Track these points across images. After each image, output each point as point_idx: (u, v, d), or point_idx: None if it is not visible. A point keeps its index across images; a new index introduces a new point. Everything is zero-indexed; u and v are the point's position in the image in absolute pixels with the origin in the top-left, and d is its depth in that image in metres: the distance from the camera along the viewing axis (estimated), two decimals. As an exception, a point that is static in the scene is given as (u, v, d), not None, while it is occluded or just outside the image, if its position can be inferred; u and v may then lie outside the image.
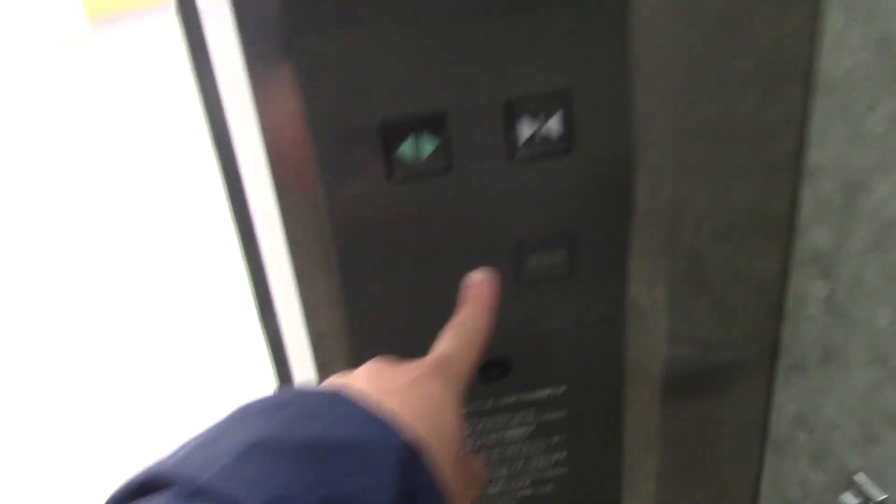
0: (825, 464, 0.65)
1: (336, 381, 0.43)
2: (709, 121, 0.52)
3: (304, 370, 0.59)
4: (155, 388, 2.45)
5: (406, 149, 0.46)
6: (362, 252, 0.50)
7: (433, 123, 0.46)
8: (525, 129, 0.48)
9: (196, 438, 0.35)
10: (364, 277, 0.51)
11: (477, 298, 0.49)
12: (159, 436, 2.21)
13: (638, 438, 0.65)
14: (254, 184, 0.54)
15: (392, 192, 0.48)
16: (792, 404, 0.66)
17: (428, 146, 0.47)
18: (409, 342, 0.46)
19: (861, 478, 0.61)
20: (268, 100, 0.45)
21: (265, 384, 0.60)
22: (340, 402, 0.37)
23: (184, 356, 2.56)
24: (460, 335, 0.46)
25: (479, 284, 0.49)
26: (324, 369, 0.55)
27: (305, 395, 0.38)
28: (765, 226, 0.58)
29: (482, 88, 0.46)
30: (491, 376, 0.56)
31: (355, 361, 0.45)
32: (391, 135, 0.46)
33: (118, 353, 2.68)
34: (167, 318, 2.79)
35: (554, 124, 0.48)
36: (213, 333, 2.62)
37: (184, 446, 0.35)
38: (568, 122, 0.48)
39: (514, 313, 0.53)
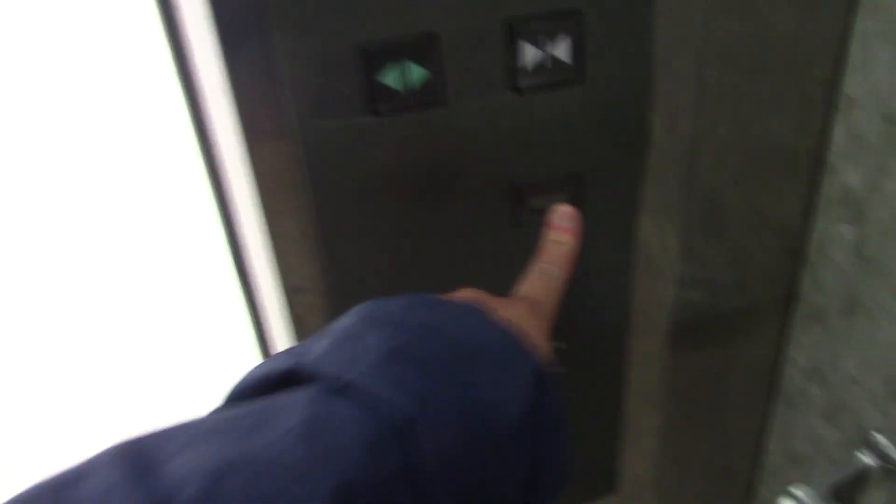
0: (840, 420, 0.60)
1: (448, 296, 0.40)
2: (737, 43, 0.45)
3: (278, 325, 0.53)
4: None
5: (391, 78, 0.40)
6: (341, 197, 0.43)
7: (422, 49, 0.40)
8: (529, 56, 0.41)
9: (325, 337, 0.34)
10: (343, 225, 0.44)
11: (563, 244, 0.45)
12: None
13: (640, 392, 0.60)
14: (223, 127, 0.47)
15: (375, 126, 0.41)
16: (807, 355, 0.61)
17: (415, 76, 0.40)
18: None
19: (879, 437, 0.57)
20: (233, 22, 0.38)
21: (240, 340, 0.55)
22: (475, 314, 0.36)
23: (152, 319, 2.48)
24: (547, 282, 0.44)
25: (566, 228, 0.45)
26: (299, 324, 0.49)
27: (438, 304, 0.37)
28: (790, 162, 0.52)
29: (479, 8, 0.39)
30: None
31: (331, 315, 0.40)
32: (373, 62, 0.39)
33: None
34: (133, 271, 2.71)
35: (562, 50, 0.41)
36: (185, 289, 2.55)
37: (314, 343, 0.34)
38: (578, 48, 0.41)
39: (513, 261, 0.47)
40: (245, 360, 0.67)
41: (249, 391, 0.33)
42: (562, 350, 0.50)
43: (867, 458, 0.58)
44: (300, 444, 0.28)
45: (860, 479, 0.58)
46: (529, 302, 0.42)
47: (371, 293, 0.39)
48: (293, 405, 0.30)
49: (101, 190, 0.65)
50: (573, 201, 0.47)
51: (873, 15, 0.45)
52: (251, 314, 0.64)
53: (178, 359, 0.77)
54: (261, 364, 0.33)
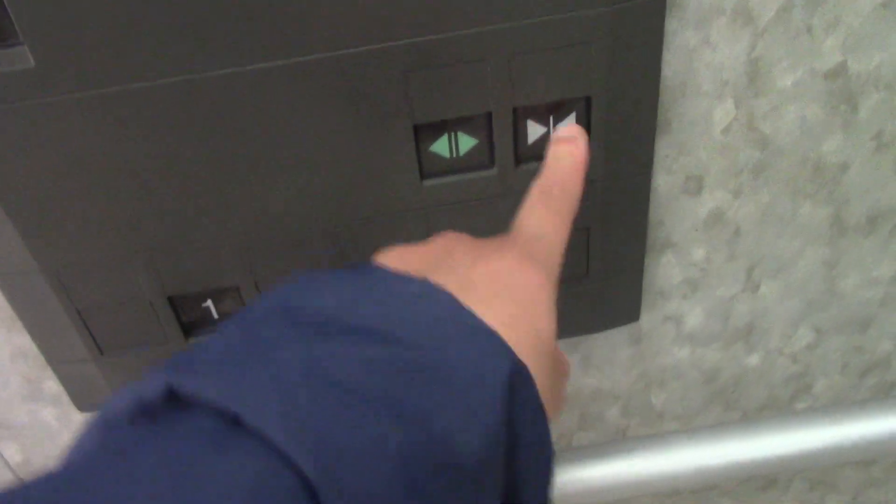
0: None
1: (397, 260, 0.32)
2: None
3: None
4: None
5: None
6: None
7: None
8: (532, 132, 0.41)
9: (224, 335, 0.26)
10: None
11: (566, 158, 0.38)
12: None
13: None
14: None
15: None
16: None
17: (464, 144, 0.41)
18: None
19: None
20: None
21: None
22: (438, 299, 0.27)
23: None
24: (550, 205, 0.36)
25: (568, 139, 0.38)
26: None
27: (388, 288, 0.28)
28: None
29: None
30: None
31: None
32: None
33: None
34: None
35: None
36: None
37: (209, 345, 0.26)
38: (582, 124, 0.41)
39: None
40: None
41: (121, 419, 0.24)
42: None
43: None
44: None
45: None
46: (525, 241, 0.34)
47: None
48: (149, 456, 0.21)
49: None
50: (578, 255, 0.47)
51: None
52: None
53: None
54: (137, 382, 0.24)
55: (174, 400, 0.23)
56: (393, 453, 0.22)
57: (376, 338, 0.25)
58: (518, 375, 0.27)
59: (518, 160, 0.42)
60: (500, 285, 0.31)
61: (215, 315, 0.47)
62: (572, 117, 0.41)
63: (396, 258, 0.34)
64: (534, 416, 0.27)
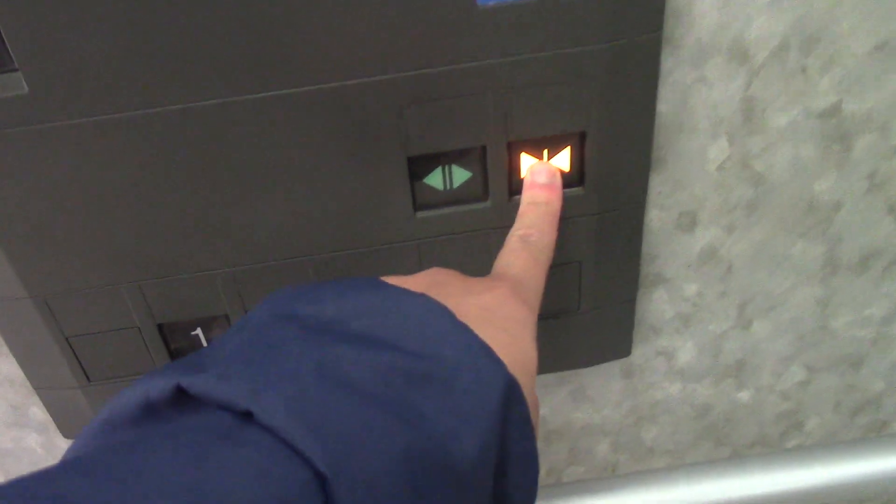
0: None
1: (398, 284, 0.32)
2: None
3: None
4: None
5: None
6: None
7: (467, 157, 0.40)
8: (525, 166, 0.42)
9: (229, 339, 0.27)
10: None
11: (541, 205, 0.39)
12: None
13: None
14: None
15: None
16: None
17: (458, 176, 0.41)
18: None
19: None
20: None
21: None
22: (436, 312, 0.28)
23: None
24: (531, 252, 0.37)
25: (542, 185, 0.40)
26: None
27: (387, 298, 0.28)
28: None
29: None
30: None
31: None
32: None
33: None
34: None
35: (562, 159, 0.41)
36: None
37: (215, 348, 0.26)
38: (577, 159, 0.41)
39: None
40: None
41: (125, 419, 0.24)
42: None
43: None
44: None
45: None
46: (511, 281, 0.35)
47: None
48: (164, 452, 0.21)
49: None
50: (570, 288, 0.47)
51: None
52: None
53: None
54: (140, 380, 0.24)
55: (181, 400, 0.24)
56: (399, 452, 0.23)
57: (379, 345, 0.26)
58: (511, 391, 0.28)
59: (512, 193, 0.42)
60: (491, 314, 0.31)
61: (204, 343, 0.47)
62: (567, 152, 0.41)
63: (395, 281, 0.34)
64: (523, 433, 0.28)
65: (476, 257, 0.45)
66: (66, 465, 0.20)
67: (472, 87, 0.38)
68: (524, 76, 0.38)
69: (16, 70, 0.34)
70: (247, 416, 0.22)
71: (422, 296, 0.29)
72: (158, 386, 0.24)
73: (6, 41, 0.33)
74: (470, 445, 0.25)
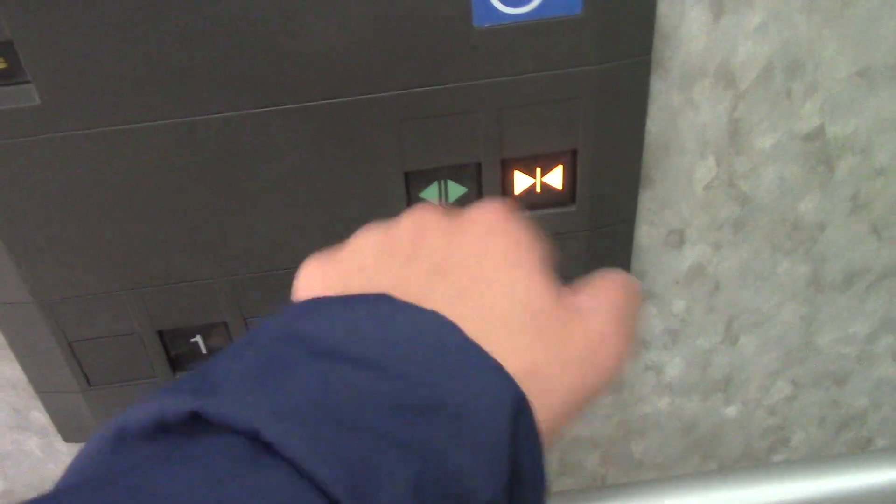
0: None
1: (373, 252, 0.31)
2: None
3: None
4: None
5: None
6: None
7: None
8: (522, 183, 0.43)
9: (237, 358, 0.26)
10: None
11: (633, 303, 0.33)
12: None
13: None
14: None
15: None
16: None
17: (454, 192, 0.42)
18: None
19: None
20: None
21: None
22: (437, 333, 0.27)
23: None
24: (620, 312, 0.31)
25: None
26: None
27: (397, 317, 0.28)
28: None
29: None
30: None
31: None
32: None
33: None
34: None
35: (555, 177, 0.43)
36: None
37: (223, 369, 0.26)
38: (569, 177, 0.43)
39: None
40: None
41: (137, 435, 0.24)
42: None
43: None
44: None
45: None
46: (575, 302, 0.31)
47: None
48: (179, 469, 0.22)
49: None
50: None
51: None
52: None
53: None
54: (154, 397, 0.25)
55: (195, 420, 0.24)
56: (411, 484, 0.23)
57: (390, 371, 0.26)
58: (519, 405, 0.27)
59: (505, 209, 0.44)
60: (508, 310, 0.30)
61: (203, 350, 0.48)
62: (559, 170, 0.43)
63: (374, 246, 0.33)
64: (532, 445, 0.27)
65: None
66: (87, 484, 0.21)
67: (467, 105, 0.39)
68: (518, 95, 0.39)
69: (28, 82, 0.35)
70: (261, 442, 0.23)
71: (432, 313, 0.28)
72: (173, 408, 0.24)
73: (20, 55, 0.34)
74: (485, 480, 0.25)
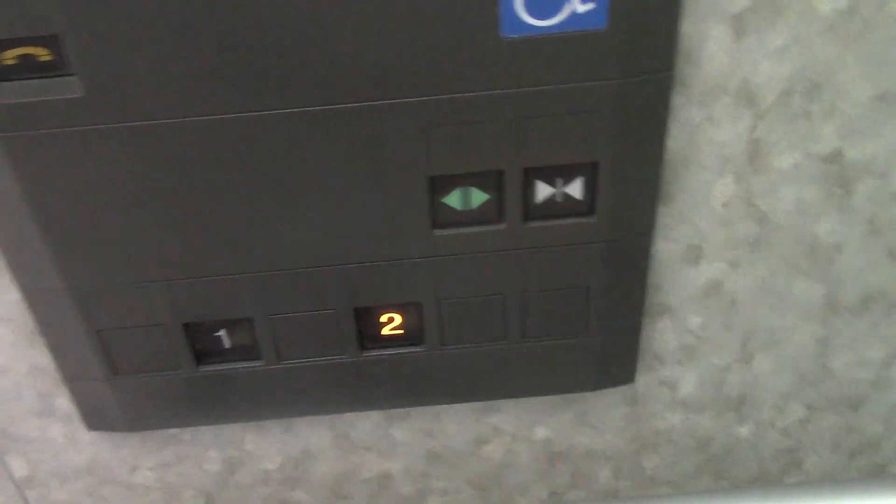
0: None
1: None
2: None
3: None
4: None
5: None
6: None
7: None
8: (542, 193, 0.44)
9: None
10: None
11: None
12: None
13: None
14: None
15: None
16: None
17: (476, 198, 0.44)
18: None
19: None
20: None
21: None
22: None
23: None
24: None
25: None
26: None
27: None
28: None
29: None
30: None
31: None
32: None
33: None
34: None
35: (575, 188, 0.44)
36: None
37: None
38: (589, 188, 0.44)
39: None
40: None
41: None
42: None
43: None
44: None
45: None
46: None
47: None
48: None
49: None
50: (578, 312, 0.50)
51: None
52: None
53: None
54: None
55: None
56: None
57: None
58: None
59: (526, 217, 0.45)
60: None
61: (228, 344, 0.49)
62: (580, 180, 0.44)
63: None
64: None
65: (489, 276, 0.47)
66: None
67: (492, 114, 0.40)
68: (542, 106, 0.40)
69: (72, 74, 0.37)
70: None
71: None
72: None
73: (66, 48, 0.36)
74: None
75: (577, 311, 0.49)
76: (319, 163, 0.41)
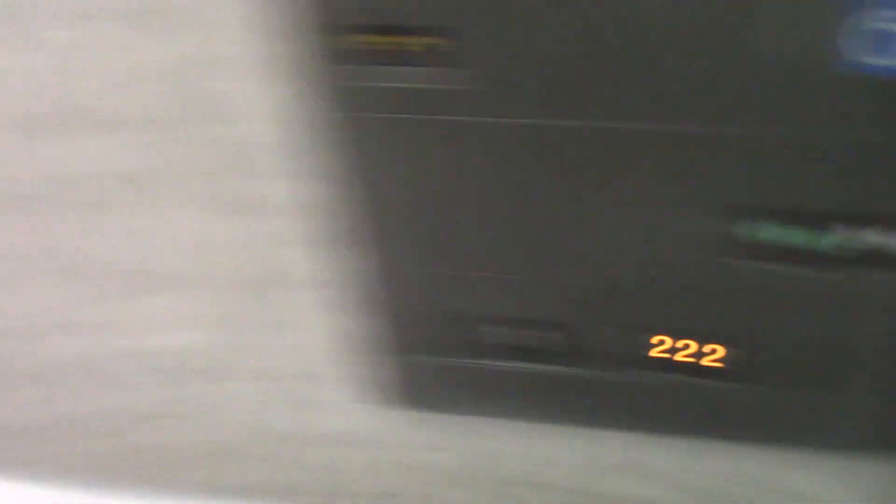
0: None
1: None
2: None
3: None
4: None
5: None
6: None
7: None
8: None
9: None
10: None
11: None
12: None
13: None
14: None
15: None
16: None
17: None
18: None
19: None
20: None
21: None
22: None
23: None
24: None
25: None
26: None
27: None
28: None
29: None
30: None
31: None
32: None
33: None
34: None
35: None
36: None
37: None
38: None
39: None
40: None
41: None
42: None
43: None
44: None
45: None
46: None
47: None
48: None
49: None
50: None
51: None
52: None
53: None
54: None
55: None
56: None
57: None
58: None
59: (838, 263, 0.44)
60: None
61: (513, 341, 0.52)
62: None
63: None
64: None
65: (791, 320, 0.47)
66: None
67: (813, 152, 0.41)
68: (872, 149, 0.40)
69: (462, 67, 0.41)
70: None
71: None
72: None
73: (463, 41, 0.40)
74: None
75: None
76: (639, 180, 0.43)
